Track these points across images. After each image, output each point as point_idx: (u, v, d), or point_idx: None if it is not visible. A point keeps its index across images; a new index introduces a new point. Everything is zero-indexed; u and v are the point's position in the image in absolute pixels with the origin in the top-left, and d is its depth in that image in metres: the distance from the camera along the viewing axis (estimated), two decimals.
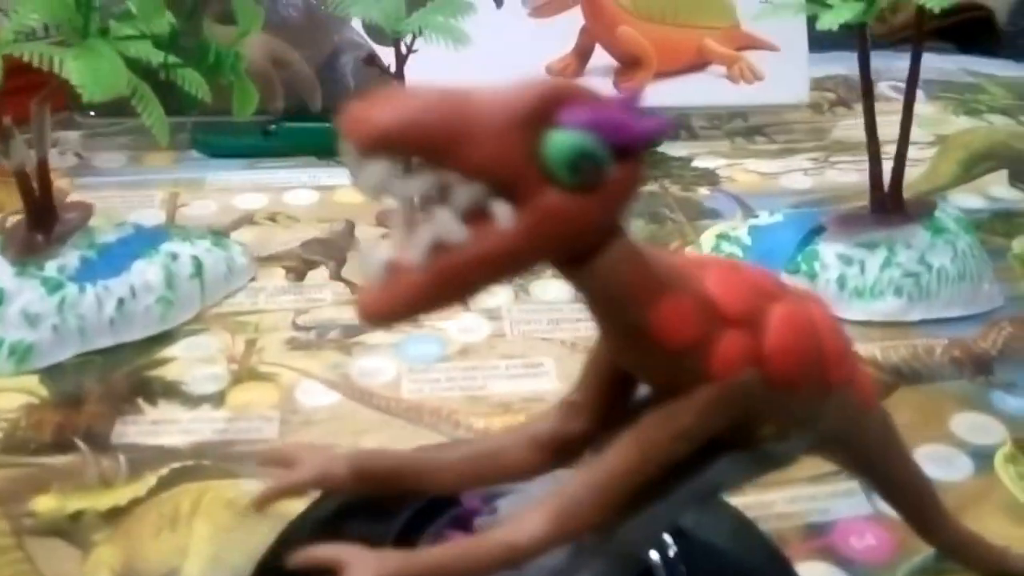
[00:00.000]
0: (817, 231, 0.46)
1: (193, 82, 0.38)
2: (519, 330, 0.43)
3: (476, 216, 0.17)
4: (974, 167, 0.59)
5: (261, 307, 0.44)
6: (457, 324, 0.43)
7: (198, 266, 0.44)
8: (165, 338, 0.42)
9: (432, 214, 0.17)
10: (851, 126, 0.65)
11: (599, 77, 0.59)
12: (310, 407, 0.38)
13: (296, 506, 0.27)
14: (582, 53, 0.59)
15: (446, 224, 0.17)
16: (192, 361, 0.40)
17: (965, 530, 0.28)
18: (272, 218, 0.52)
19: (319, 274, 0.47)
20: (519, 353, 0.41)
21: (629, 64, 0.59)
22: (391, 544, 0.26)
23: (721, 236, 0.48)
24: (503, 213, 0.17)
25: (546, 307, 0.45)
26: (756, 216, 0.49)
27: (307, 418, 0.37)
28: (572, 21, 0.59)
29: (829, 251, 0.44)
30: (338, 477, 0.25)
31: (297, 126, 0.56)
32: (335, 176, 0.56)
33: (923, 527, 0.27)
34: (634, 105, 0.18)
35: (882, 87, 0.69)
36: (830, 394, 0.23)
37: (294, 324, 0.43)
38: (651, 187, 0.56)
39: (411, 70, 0.48)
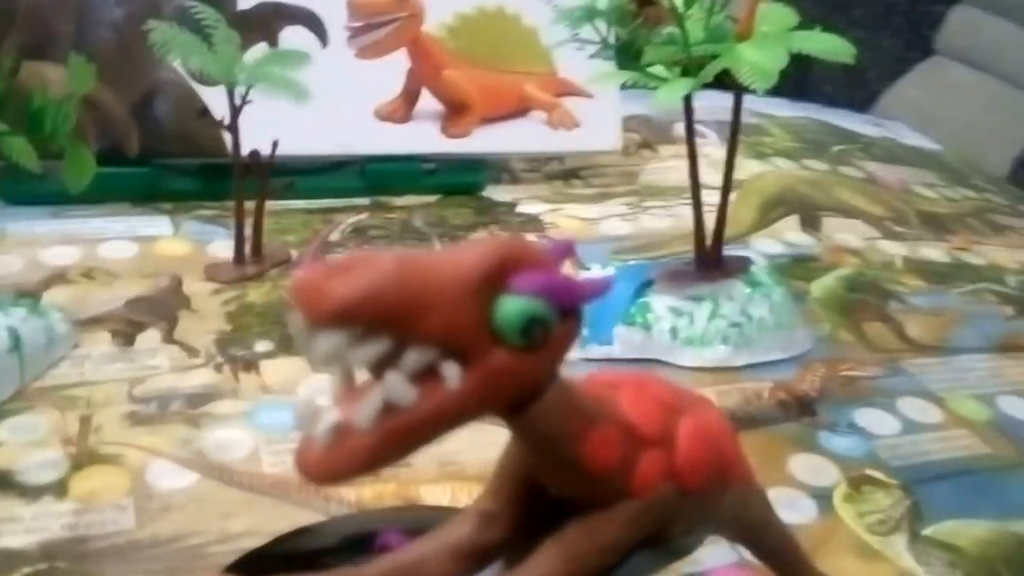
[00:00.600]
0: (646, 285, 0.48)
1: (20, 150, 0.34)
2: None
3: (424, 375, 0.18)
4: (769, 212, 0.65)
5: (89, 378, 0.41)
6: (309, 386, 0.42)
7: (15, 339, 0.40)
8: None
9: (381, 379, 0.17)
10: (658, 170, 0.69)
11: (427, 121, 0.59)
12: (166, 491, 0.35)
13: None
14: (410, 96, 0.59)
15: (396, 387, 0.17)
16: (21, 446, 0.37)
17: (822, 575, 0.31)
18: (88, 274, 0.48)
19: (150, 337, 0.44)
20: None
21: (456, 108, 0.60)
22: None
23: None
24: (452, 374, 0.18)
25: None
26: (588, 268, 0.52)
27: (165, 504, 0.35)
28: (399, 64, 0.59)
29: (660, 304, 0.47)
30: None
31: (110, 171, 0.52)
32: (154, 226, 0.53)
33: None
34: (570, 253, 0.20)
35: (678, 128, 0.74)
36: (728, 489, 0.25)
37: (130, 396, 0.40)
38: (480, 234, 0.57)
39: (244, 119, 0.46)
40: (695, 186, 0.47)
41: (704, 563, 0.34)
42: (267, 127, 0.46)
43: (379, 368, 0.18)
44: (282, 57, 0.46)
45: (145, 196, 0.55)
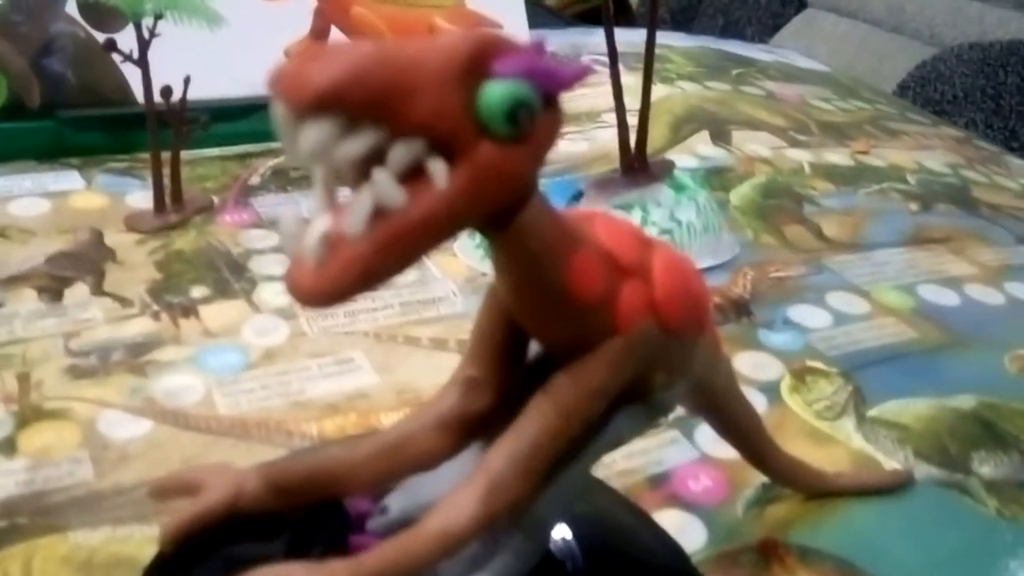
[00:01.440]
0: (577, 196, 0.49)
1: None
2: (317, 327, 0.42)
3: (410, 178, 0.17)
4: (680, 129, 0.66)
5: (20, 336, 0.39)
6: (253, 327, 0.41)
7: None
8: None
9: (368, 179, 0.16)
10: (568, 98, 0.70)
11: None
12: (121, 440, 0.35)
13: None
14: (318, 35, 0.58)
15: (385, 187, 0.16)
16: None
17: (788, 456, 0.32)
18: (2, 233, 0.46)
19: (78, 291, 0.43)
20: (326, 351, 0.41)
21: None
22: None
23: None
24: (439, 171, 0.17)
25: None
26: None
27: (122, 453, 0.34)
28: (305, 3, 0.57)
29: None
30: (251, 495, 0.23)
31: (13, 126, 0.50)
32: (65, 180, 0.50)
33: (757, 458, 0.31)
34: (545, 52, 0.18)
35: (585, 60, 0.74)
36: (701, 337, 0.25)
37: (67, 350, 0.39)
38: None
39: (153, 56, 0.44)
40: (618, 94, 0.48)
41: (668, 462, 0.35)
42: (174, 71, 0.45)
43: (363, 171, 0.16)
44: None
45: (52, 151, 0.52)
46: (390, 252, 0.17)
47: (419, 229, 0.17)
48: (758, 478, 0.33)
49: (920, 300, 0.49)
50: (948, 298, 0.49)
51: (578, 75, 0.18)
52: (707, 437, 0.36)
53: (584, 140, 0.63)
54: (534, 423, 0.22)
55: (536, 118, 0.17)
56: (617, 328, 0.22)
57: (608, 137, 0.49)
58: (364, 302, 0.44)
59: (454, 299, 0.45)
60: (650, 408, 0.25)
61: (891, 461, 0.37)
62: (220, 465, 0.26)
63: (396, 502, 0.26)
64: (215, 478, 0.23)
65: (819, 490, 0.33)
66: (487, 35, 0.17)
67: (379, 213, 0.16)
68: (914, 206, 0.60)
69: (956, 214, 0.60)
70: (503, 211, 0.19)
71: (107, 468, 0.33)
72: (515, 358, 0.24)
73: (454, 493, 0.22)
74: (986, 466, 0.37)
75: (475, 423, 0.24)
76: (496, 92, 0.17)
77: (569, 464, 0.24)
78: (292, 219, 0.17)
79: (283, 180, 0.55)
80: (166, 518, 0.23)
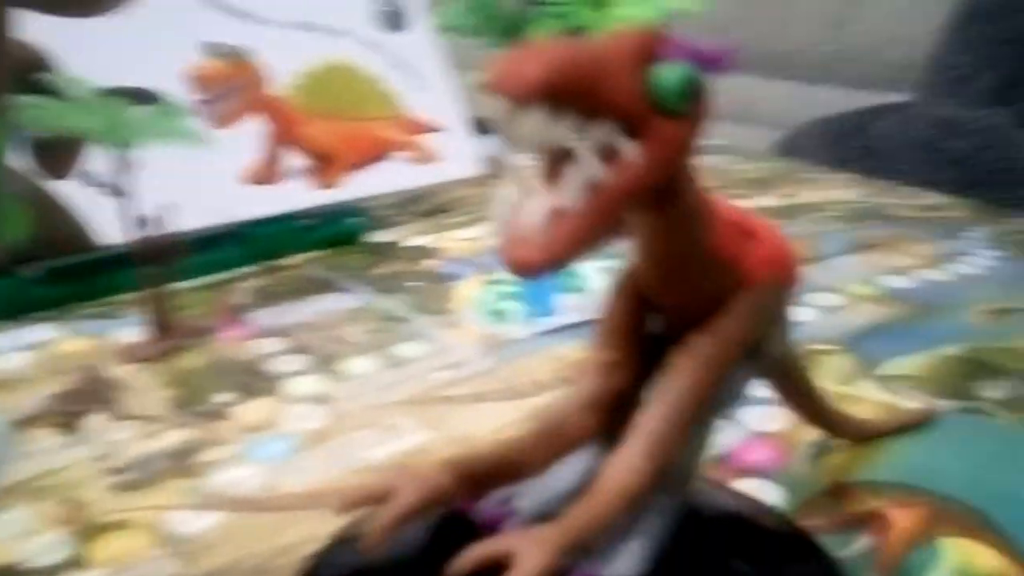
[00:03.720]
0: None
1: None
2: (354, 405, 0.41)
3: (604, 156, 0.19)
4: None
5: (52, 467, 0.37)
6: (290, 417, 0.40)
7: None
8: None
9: (576, 159, 0.19)
10: None
11: (296, 176, 0.59)
12: (198, 532, 0.32)
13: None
14: (273, 157, 0.59)
15: (591, 164, 0.19)
16: (14, 539, 0.32)
17: (836, 409, 0.34)
18: None
19: (95, 421, 0.41)
20: (370, 423, 0.40)
21: (321, 161, 0.60)
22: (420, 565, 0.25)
23: (492, 284, 0.52)
24: (630, 148, 0.19)
25: (360, 381, 0.44)
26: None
27: (203, 543, 0.32)
28: (258, 127, 0.59)
29: (586, 267, 0.50)
30: (445, 488, 0.23)
31: None
32: (41, 332, 0.49)
33: (815, 412, 0.33)
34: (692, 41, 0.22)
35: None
36: (791, 294, 0.27)
37: (106, 470, 0.37)
38: (382, 271, 0.58)
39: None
40: None
41: (720, 445, 0.36)
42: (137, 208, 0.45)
43: (559, 156, 0.19)
44: (166, 110, 0.45)
45: (20, 309, 0.51)
46: (601, 220, 0.19)
47: (622, 198, 0.19)
48: (807, 439, 0.36)
49: (885, 287, 0.54)
50: (907, 282, 0.55)
51: (727, 55, 0.21)
52: (749, 417, 0.38)
53: None
54: (682, 380, 0.24)
55: (704, 94, 0.20)
56: (746, 281, 0.24)
57: None
58: (391, 374, 0.44)
59: (475, 360, 0.45)
60: (757, 366, 0.27)
61: (912, 404, 0.40)
62: (403, 468, 0.26)
63: (526, 503, 0.26)
64: (405, 481, 0.23)
65: (865, 435, 0.36)
66: (645, 31, 0.20)
67: (587, 187, 0.19)
68: (848, 225, 0.65)
69: (883, 226, 0.65)
70: (672, 181, 0.21)
71: (192, 559, 0.31)
72: (642, 340, 0.26)
73: (620, 455, 0.23)
74: (990, 391, 0.41)
75: (616, 401, 0.25)
76: (671, 74, 0.19)
77: (705, 419, 0.25)
78: (505, 199, 0.19)
79: (268, 296, 0.54)
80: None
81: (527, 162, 0.19)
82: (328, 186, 0.60)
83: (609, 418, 0.26)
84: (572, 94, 0.18)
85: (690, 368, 0.24)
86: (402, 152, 0.64)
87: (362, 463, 0.37)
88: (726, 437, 0.37)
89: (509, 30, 0.45)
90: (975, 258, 0.58)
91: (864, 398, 0.41)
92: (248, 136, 0.58)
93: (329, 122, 0.61)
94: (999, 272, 0.56)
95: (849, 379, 0.42)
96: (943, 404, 0.40)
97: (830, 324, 0.48)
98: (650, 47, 0.19)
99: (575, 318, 0.48)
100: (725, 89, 0.22)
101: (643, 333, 0.26)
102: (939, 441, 0.37)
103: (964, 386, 0.41)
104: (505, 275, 0.53)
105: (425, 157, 0.64)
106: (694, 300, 0.24)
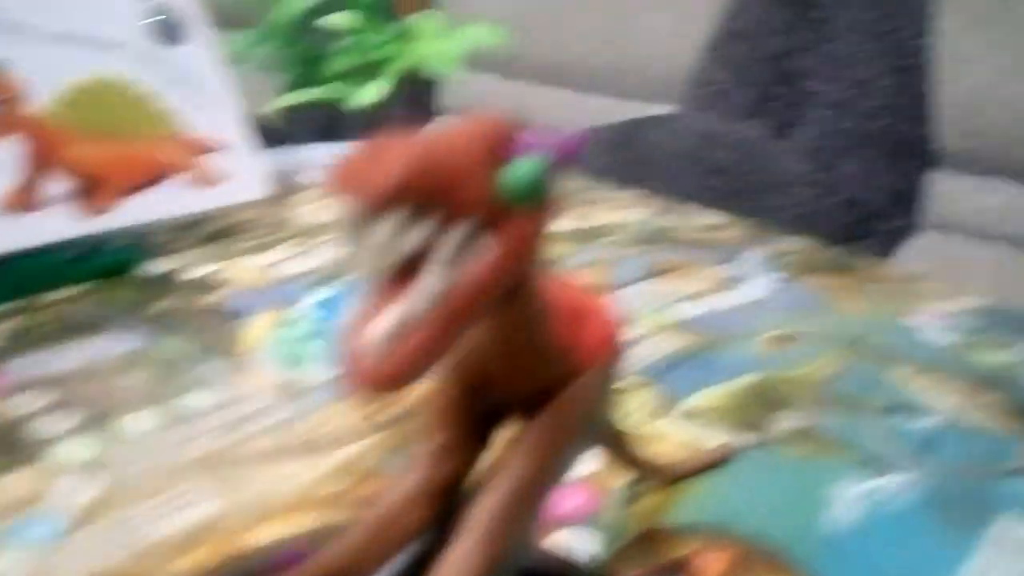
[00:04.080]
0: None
1: None
2: (135, 469, 0.37)
3: (458, 257, 0.18)
4: None
5: None
6: (58, 490, 0.36)
7: None
8: None
9: (427, 264, 0.18)
10: (312, 211, 0.70)
11: (60, 202, 0.53)
12: None
13: None
14: (32, 181, 0.52)
15: (443, 270, 0.18)
16: None
17: (647, 454, 0.35)
18: None
19: None
20: (156, 490, 0.36)
21: (90, 184, 0.54)
22: None
23: (281, 324, 0.48)
24: (486, 244, 0.19)
25: (140, 441, 0.40)
26: (300, 301, 0.51)
27: None
28: (13, 149, 0.52)
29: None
30: None
31: None
32: None
33: (630, 459, 0.34)
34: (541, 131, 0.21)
35: (302, 175, 0.74)
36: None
37: None
38: (159, 307, 0.53)
39: None
40: None
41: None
42: None
43: (410, 262, 0.18)
44: None
45: None
46: (455, 326, 0.18)
47: (477, 299, 0.18)
48: (617, 483, 0.36)
49: (678, 316, 0.55)
50: (697, 310, 0.56)
51: (579, 144, 0.21)
52: None
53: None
54: (522, 467, 0.23)
55: (551, 186, 0.19)
56: (580, 368, 0.24)
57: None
58: (175, 432, 0.40)
59: (270, 411, 0.42)
60: (588, 438, 0.27)
61: (713, 441, 0.41)
62: None
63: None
64: None
65: (671, 478, 0.37)
66: (493, 124, 0.19)
67: (437, 296, 0.18)
68: (639, 248, 0.67)
69: (671, 249, 0.68)
70: (521, 276, 0.20)
71: None
72: (475, 424, 0.25)
73: (455, 551, 0.22)
74: (783, 422, 0.43)
75: (450, 488, 0.25)
76: (523, 170, 0.19)
77: (540, 502, 0.25)
78: (346, 320, 0.18)
79: (26, 340, 0.48)
80: None
81: (373, 270, 0.18)
82: (97, 213, 0.54)
83: (443, 506, 0.25)
84: (431, 195, 0.17)
85: (530, 456, 0.23)
86: (181, 174, 0.59)
87: (147, 540, 0.33)
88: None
89: (304, 62, 0.42)
90: (755, 281, 0.61)
91: (666, 436, 0.41)
92: (3, 159, 0.52)
93: (98, 143, 0.55)
94: (779, 297, 0.58)
95: (656, 414, 0.43)
96: (741, 439, 0.41)
97: (634, 356, 0.49)
98: (502, 142, 0.19)
99: None
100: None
101: (475, 413, 0.25)
102: (738, 479, 0.38)
103: (758, 419, 0.43)
104: (301, 312, 0.50)
105: (206, 179, 0.60)
106: (530, 387, 0.24)
